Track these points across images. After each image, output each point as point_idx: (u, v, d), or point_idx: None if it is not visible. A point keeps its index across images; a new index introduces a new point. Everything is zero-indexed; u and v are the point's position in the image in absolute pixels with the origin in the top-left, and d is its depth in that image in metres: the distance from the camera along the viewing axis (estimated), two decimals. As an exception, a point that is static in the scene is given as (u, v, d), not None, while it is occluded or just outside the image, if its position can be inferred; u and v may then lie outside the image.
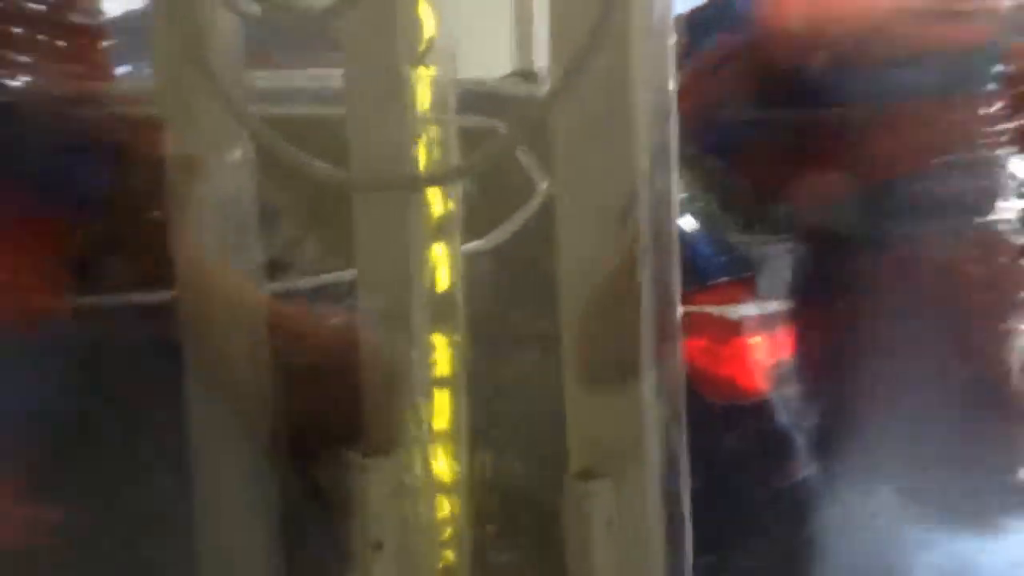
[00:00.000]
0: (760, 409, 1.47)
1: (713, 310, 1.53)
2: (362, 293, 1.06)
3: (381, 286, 1.05)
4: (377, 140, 1.04)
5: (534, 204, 1.51)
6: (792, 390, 1.41)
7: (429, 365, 1.07)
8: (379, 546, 1.01)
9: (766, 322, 1.49)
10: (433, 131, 1.05)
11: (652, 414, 0.95)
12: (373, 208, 1.06)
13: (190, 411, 1.09)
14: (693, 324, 1.34)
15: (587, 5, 0.90)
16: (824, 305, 1.39)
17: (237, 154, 1.04)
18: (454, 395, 1.11)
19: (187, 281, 1.02)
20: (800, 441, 1.43)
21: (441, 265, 1.09)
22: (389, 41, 1.02)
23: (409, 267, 1.04)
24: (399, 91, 1.03)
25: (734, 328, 1.52)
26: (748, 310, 1.51)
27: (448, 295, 1.10)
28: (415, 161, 1.05)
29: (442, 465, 1.09)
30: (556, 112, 0.94)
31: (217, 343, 1.03)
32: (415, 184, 1.04)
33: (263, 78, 1.18)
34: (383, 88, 1.03)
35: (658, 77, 0.94)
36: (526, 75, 1.85)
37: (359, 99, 1.05)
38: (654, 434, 0.96)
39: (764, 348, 1.50)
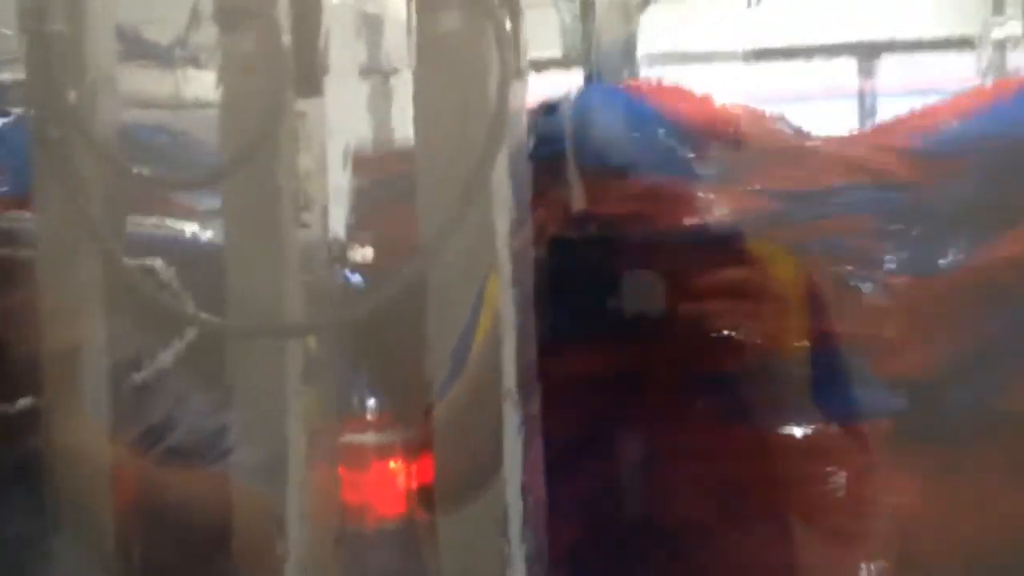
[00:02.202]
0: (405, 532, 1.48)
1: (353, 439, 1.61)
2: (238, 438, 1.11)
3: (257, 431, 1.11)
4: (254, 290, 1.11)
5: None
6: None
7: (306, 505, 1.12)
8: None
9: (408, 447, 1.52)
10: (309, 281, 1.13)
11: (519, 544, 1.04)
12: (250, 355, 1.12)
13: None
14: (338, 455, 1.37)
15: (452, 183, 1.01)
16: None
17: (116, 307, 1.08)
18: (329, 531, 1.16)
19: (60, 442, 1.05)
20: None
21: (316, 408, 1.15)
22: (271, 201, 1.10)
23: (285, 412, 1.10)
24: (276, 246, 1.11)
25: (373, 454, 1.58)
26: (386, 437, 1.57)
27: (325, 434, 1.16)
28: (291, 310, 1.12)
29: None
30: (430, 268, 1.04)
31: (86, 500, 1.05)
32: (292, 332, 1.11)
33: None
34: (261, 243, 1.11)
35: (522, 235, 1.06)
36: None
37: (238, 252, 1.12)
38: (523, 564, 1.04)
39: (404, 473, 1.54)
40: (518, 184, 1.04)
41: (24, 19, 1.12)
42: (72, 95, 1.11)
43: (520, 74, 1.02)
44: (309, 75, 1.12)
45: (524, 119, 1.06)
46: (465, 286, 1.04)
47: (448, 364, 1.31)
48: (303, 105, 1.11)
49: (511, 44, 1.00)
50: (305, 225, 1.12)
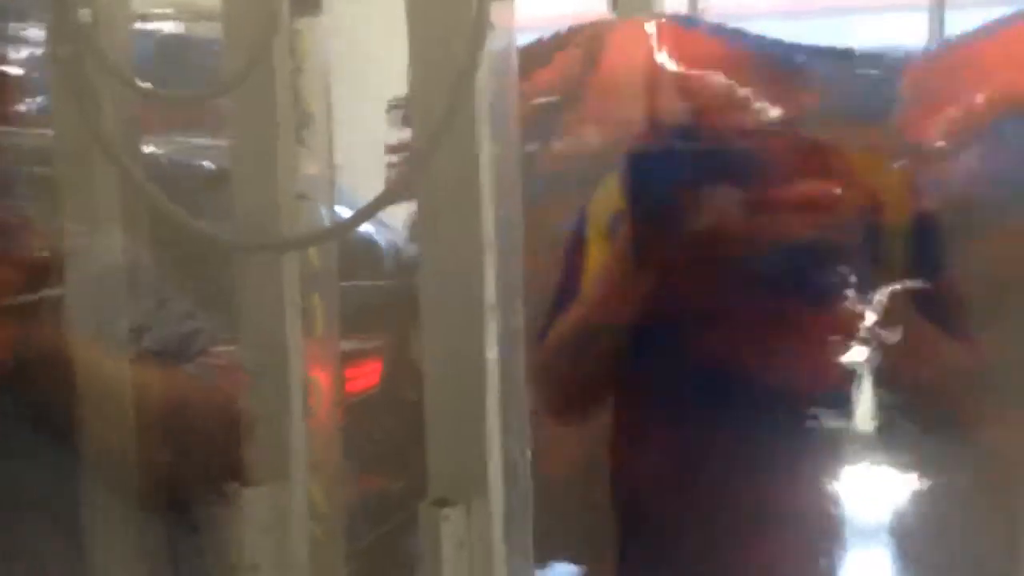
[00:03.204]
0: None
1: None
2: (243, 342, 1.18)
3: (260, 336, 1.17)
4: (258, 204, 1.17)
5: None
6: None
7: (305, 404, 1.19)
8: (255, 568, 1.13)
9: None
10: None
11: (498, 449, 1.09)
12: (254, 265, 1.18)
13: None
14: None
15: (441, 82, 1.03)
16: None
17: (124, 222, 1.15)
18: (328, 429, 1.23)
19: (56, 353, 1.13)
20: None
21: (318, 313, 1.22)
22: (269, 115, 1.14)
23: (286, 318, 1.17)
24: (277, 160, 1.16)
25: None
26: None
27: (325, 339, 1.23)
28: (292, 222, 1.17)
29: (317, 494, 1.21)
30: (417, 182, 1.08)
31: (88, 408, 1.13)
32: (294, 245, 1.16)
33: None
34: (263, 157, 1.16)
35: (506, 154, 1.09)
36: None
37: (241, 167, 1.17)
38: (500, 467, 1.09)
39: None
40: (503, 102, 1.07)
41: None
42: (84, 12, 1.16)
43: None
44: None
45: (512, 36, 1.08)
46: (452, 203, 1.08)
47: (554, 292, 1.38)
48: (301, 23, 1.15)
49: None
50: (302, 143, 1.17)
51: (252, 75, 1.10)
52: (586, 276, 1.35)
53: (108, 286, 1.15)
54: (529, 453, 1.13)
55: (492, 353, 1.08)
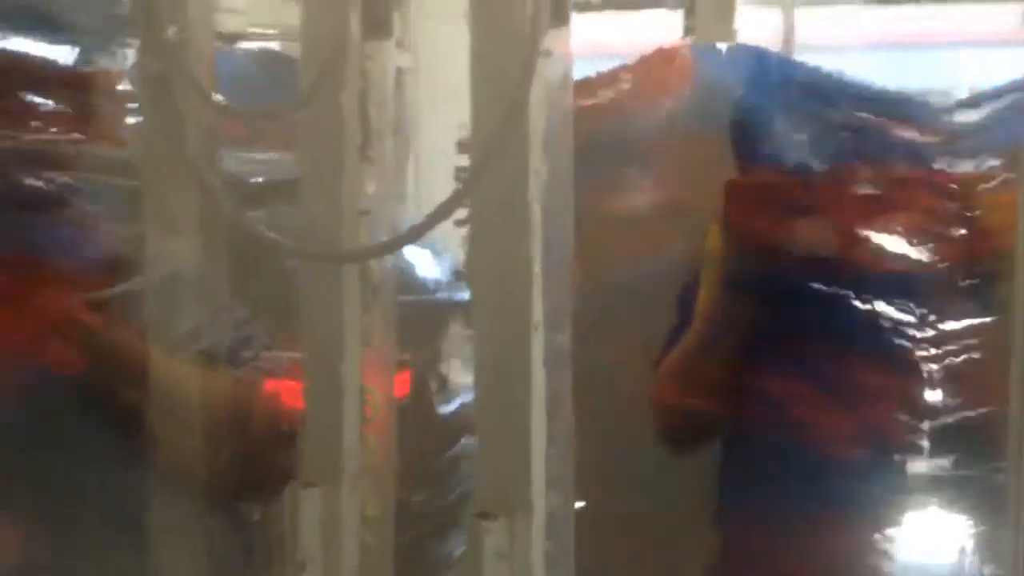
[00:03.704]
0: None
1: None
2: (303, 349, 1.23)
3: (320, 343, 1.22)
4: (323, 217, 1.22)
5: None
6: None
7: (360, 410, 1.23)
8: (305, 567, 1.17)
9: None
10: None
11: (542, 465, 1.11)
12: (317, 276, 1.23)
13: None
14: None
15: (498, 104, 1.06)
16: None
17: (201, 233, 1.21)
18: (382, 436, 1.27)
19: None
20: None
21: (376, 324, 1.26)
22: (337, 132, 1.19)
23: (344, 326, 1.21)
24: (343, 177, 1.20)
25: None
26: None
27: (381, 349, 1.27)
28: (355, 236, 1.22)
29: (368, 497, 1.25)
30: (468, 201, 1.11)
31: (156, 407, 1.19)
32: (358, 256, 1.21)
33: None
34: (329, 174, 1.21)
35: (558, 177, 1.11)
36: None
37: (310, 183, 1.22)
38: (543, 483, 1.11)
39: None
40: (557, 126, 1.09)
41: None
42: (171, 30, 1.22)
43: (560, 19, 1.06)
44: (379, 18, 1.20)
45: (569, 63, 1.11)
46: (501, 223, 1.10)
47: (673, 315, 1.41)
48: (371, 46, 1.20)
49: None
50: (370, 160, 1.21)
51: (322, 93, 1.15)
52: (700, 301, 1.38)
53: (177, 290, 1.21)
54: (572, 470, 1.15)
55: (538, 371, 1.10)
